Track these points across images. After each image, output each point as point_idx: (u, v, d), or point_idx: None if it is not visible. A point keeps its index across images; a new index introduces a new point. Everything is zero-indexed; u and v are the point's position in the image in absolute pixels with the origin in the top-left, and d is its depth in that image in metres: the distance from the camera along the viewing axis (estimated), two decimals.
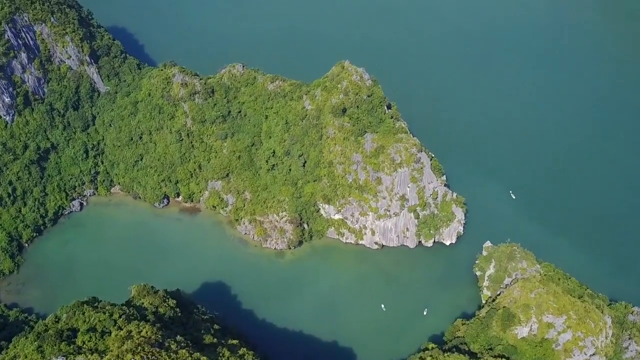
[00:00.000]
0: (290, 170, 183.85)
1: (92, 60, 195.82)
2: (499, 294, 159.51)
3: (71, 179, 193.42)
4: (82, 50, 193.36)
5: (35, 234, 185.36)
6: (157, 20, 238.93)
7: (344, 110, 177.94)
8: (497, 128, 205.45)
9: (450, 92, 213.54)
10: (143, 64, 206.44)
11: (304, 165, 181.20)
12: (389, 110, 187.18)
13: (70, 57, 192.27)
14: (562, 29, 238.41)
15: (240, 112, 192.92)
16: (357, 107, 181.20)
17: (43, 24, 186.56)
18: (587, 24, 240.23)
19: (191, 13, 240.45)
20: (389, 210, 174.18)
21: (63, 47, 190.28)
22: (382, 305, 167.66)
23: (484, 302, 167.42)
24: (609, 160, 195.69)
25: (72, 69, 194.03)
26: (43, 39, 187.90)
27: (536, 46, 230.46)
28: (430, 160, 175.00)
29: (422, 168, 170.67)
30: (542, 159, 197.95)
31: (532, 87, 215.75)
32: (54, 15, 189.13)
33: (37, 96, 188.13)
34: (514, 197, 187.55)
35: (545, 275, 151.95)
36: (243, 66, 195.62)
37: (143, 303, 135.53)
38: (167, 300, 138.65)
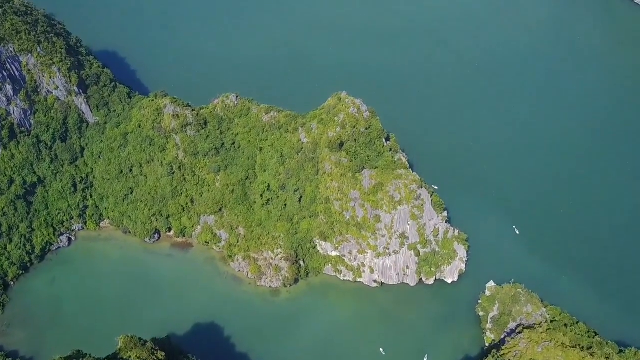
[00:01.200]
0: (285, 205, 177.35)
1: (81, 90, 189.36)
2: (503, 338, 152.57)
3: (59, 213, 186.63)
4: (70, 81, 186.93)
5: (21, 272, 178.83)
6: (148, 44, 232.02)
7: (341, 144, 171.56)
8: (500, 158, 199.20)
9: (450, 120, 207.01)
10: (134, 93, 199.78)
11: (299, 201, 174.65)
12: (388, 142, 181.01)
13: (58, 87, 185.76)
14: (566, 54, 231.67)
15: (234, 143, 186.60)
16: (355, 140, 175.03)
17: (29, 55, 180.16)
18: (591, 48, 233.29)
19: (184, 37, 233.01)
20: (389, 249, 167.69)
21: (50, 77, 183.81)
22: (381, 349, 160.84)
23: (487, 344, 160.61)
24: (618, 194, 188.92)
25: (59, 99, 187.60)
26: (29, 70, 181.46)
27: (539, 72, 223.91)
28: (431, 195, 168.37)
29: (422, 205, 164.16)
30: (547, 191, 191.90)
31: (536, 115, 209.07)
32: (41, 45, 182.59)
33: (23, 128, 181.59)
34: (517, 233, 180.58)
35: (551, 322, 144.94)
36: (237, 97, 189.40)
37: (130, 357, 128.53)
38: (155, 353, 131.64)
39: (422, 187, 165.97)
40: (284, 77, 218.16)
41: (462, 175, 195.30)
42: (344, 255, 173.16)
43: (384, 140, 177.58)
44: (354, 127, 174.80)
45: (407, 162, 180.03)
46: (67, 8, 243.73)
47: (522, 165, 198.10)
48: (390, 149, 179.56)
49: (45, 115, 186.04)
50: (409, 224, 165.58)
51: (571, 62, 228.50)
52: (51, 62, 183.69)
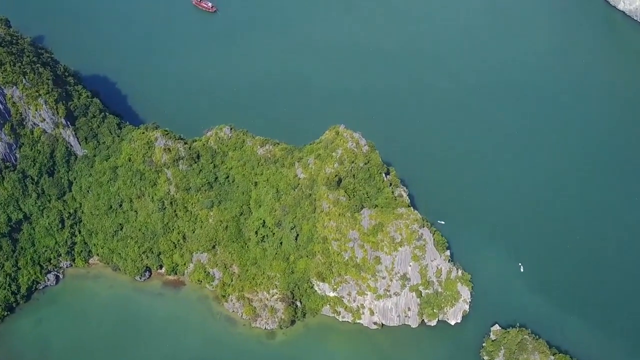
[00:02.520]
0: (281, 243, 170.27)
1: (68, 122, 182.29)
2: None
3: (46, 250, 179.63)
4: (57, 113, 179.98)
5: (6, 313, 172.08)
6: (140, 69, 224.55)
7: (339, 181, 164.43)
8: (503, 189, 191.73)
9: (451, 149, 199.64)
10: (124, 122, 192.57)
11: (296, 239, 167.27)
12: (388, 176, 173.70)
13: (44, 120, 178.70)
14: (570, 77, 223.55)
15: (227, 177, 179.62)
16: (354, 176, 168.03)
17: (14, 87, 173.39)
18: (595, 72, 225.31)
19: (176, 63, 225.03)
20: (389, 290, 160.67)
21: (36, 110, 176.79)
22: None
23: None
24: (628, 230, 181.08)
25: (46, 132, 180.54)
26: (14, 102, 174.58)
27: (543, 97, 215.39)
28: (433, 234, 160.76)
29: (424, 245, 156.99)
30: (553, 224, 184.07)
31: (541, 144, 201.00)
32: (26, 77, 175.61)
33: (8, 163, 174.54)
34: (522, 270, 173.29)
35: None
36: (231, 129, 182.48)
37: None
38: None
39: (423, 227, 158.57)
40: (279, 103, 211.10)
41: (465, 207, 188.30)
42: (343, 297, 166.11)
43: (383, 175, 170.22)
44: (353, 162, 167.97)
45: (407, 198, 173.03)
46: (58, 31, 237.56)
47: (526, 197, 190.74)
48: (390, 184, 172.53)
49: (32, 149, 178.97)
50: (410, 265, 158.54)
51: (574, 87, 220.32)
52: (37, 94, 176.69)
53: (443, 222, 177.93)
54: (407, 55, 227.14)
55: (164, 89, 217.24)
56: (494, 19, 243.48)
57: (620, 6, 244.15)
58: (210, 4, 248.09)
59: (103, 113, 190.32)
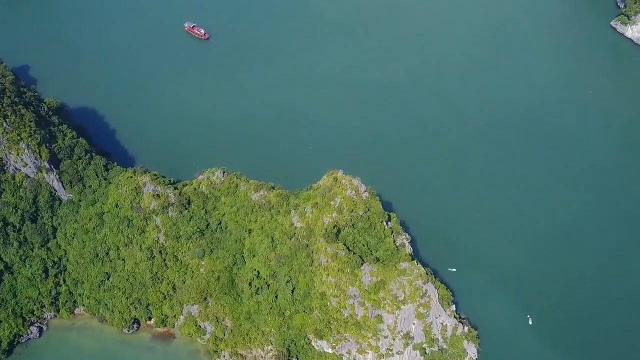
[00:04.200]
0: (277, 297, 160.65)
1: (52, 166, 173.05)
2: None
3: (29, 302, 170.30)
4: (41, 156, 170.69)
5: None
6: (130, 103, 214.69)
7: (338, 232, 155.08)
8: (510, 233, 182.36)
9: (455, 190, 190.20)
10: (111, 163, 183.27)
11: (292, 293, 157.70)
12: (389, 223, 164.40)
13: (27, 165, 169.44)
14: (578, 111, 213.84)
15: (220, 224, 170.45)
16: (354, 226, 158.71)
17: None
18: (603, 106, 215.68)
19: (167, 94, 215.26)
20: (392, 350, 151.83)
21: (18, 154, 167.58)
22: None
23: None
24: None
25: (29, 177, 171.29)
26: None
27: (551, 133, 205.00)
28: (438, 289, 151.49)
29: (429, 302, 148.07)
30: (562, 270, 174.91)
31: (551, 185, 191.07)
32: (7, 120, 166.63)
33: None
34: (531, 323, 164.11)
35: None
36: (224, 172, 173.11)
37: None
38: None
39: (428, 282, 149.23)
40: (275, 140, 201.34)
41: (471, 253, 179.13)
42: (343, 355, 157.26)
43: (384, 223, 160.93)
44: (352, 210, 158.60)
45: (410, 247, 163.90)
46: (45, 60, 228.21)
47: (534, 242, 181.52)
48: (392, 231, 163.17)
49: (13, 195, 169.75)
50: (414, 324, 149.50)
51: (583, 122, 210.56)
52: (19, 137, 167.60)
53: (454, 270, 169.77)
54: (408, 88, 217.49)
55: (154, 123, 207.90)
56: (498, 49, 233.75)
57: (629, 34, 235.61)
58: (203, 31, 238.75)
59: (89, 154, 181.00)
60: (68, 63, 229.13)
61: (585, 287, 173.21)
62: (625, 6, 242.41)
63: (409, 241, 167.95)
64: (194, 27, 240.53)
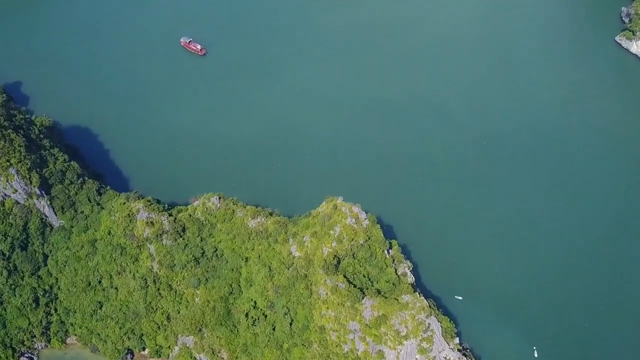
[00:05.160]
0: (274, 328, 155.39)
1: (43, 192, 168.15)
2: None
3: (19, 332, 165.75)
4: (31, 182, 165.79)
5: None
6: (124, 118, 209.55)
7: (338, 262, 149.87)
8: (514, 259, 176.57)
9: (459, 216, 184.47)
10: (104, 187, 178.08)
11: (290, 325, 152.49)
12: (390, 251, 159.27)
13: (17, 191, 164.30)
14: (584, 129, 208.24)
15: (216, 251, 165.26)
16: (353, 255, 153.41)
17: None
18: (609, 120, 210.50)
19: (162, 112, 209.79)
20: None
21: (7, 180, 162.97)
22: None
23: None
24: None
25: (18, 203, 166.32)
26: None
27: (556, 154, 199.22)
28: (441, 323, 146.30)
29: (431, 336, 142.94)
30: (569, 300, 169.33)
31: (558, 210, 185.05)
32: None
33: None
34: (536, 355, 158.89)
35: None
36: (219, 198, 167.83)
37: None
38: None
39: (430, 316, 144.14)
40: (272, 161, 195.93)
41: (474, 280, 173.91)
42: None
43: (386, 252, 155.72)
44: (352, 239, 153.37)
45: (412, 276, 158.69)
46: (37, 76, 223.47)
47: (540, 268, 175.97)
48: (394, 260, 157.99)
49: (2, 222, 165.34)
50: (416, 359, 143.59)
51: (589, 141, 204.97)
52: (8, 163, 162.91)
53: (460, 298, 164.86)
54: (409, 105, 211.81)
55: (148, 142, 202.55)
56: (501, 64, 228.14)
57: (633, 49, 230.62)
58: (199, 47, 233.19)
59: (81, 178, 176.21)
60: (61, 79, 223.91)
61: (594, 318, 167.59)
62: (630, 21, 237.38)
63: (411, 269, 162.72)
64: (189, 42, 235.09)
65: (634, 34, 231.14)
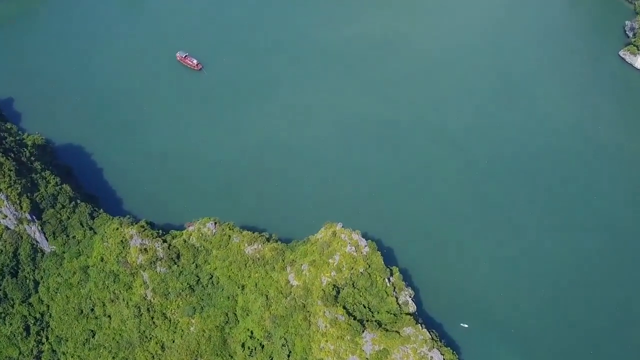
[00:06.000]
0: (272, 359, 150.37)
1: (34, 217, 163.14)
2: None
3: None
4: (21, 207, 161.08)
5: None
6: (118, 135, 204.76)
7: (337, 293, 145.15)
8: (520, 286, 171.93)
9: (460, 238, 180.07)
10: (97, 210, 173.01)
11: (288, 357, 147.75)
12: (391, 278, 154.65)
13: (6, 216, 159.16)
14: (589, 151, 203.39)
15: (211, 279, 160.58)
16: (353, 284, 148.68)
17: None
18: (613, 141, 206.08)
19: (157, 130, 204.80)
20: None
21: None
22: None
23: None
24: None
25: (8, 229, 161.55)
26: None
27: (561, 177, 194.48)
28: (444, 355, 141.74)
29: None
30: (578, 329, 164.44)
31: (562, 230, 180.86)
32: None
33: None
34: (465, 326, 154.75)
35: None
36: (215, 223, 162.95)
37: None
38: None
39: (433, 349, 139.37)
40: (269, 183, 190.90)
41: (476, 306, 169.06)
42: None
43: (386, 280, 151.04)
44: (352, 268, 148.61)
45: (413, 304, 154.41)
46: (30, 93, 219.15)
47: (545, 294, 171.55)
48: (394, 288, 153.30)
49: None
50: None
51: (592, 159, 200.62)
52: None
53: (466, 326, 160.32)
54: (410, 127, 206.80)
55: (143, 161, 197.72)
56: (504, 82, 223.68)
57: (638, 64, 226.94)
58: (195, 61, 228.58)
59: (73, 202, 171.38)
60: (54, 95, 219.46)
61: (600, 346, 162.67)
62: (634, 35, 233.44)
63: (412, 296, 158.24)
64: (185, 56, 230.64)
65: (638, 49, 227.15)
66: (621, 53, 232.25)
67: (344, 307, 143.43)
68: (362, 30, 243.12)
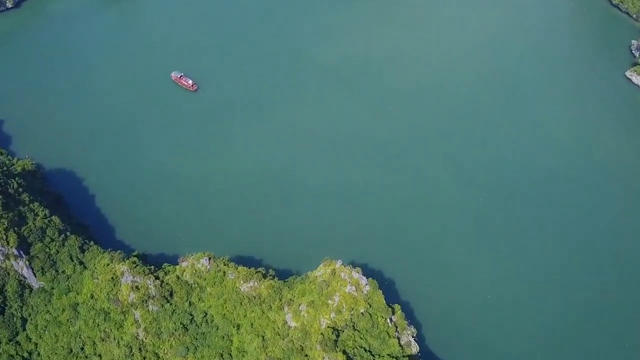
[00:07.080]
0: None
1: (21, 252, 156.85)
2: None
3: None
4: (8, 243, 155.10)
5: None
6: (111, 160, 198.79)
7: (337, 336, 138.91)
8: (526, 321, 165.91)
9: (464, 270, 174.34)
10: (88, 242, 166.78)
11: None
12: (393, 318, 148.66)
13: None
14: (591, 169, 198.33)
15: (205, 317, 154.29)
16: (354, 326, 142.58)
17: None
18: (619, 165, 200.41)
19: (151, 154, 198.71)
20: None
21: None
22: None
23: None
24: None
25: None
26: None
27: (565, 195, 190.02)
28: None
29: None
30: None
31: (571, 259, 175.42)
32: None
33: None
34: None
35: None
36: (209, 259, 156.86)
37: None
38: None
39: None
40: (266, 211, 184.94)
41: (481, 342, 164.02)
42: None
43: (388, 321, 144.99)
44: (352, 309, 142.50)
45: (416, 345, 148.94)
46: (21, 114, 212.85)
47: (553, 326, 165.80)
48: (396, 327, 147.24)
49: None
50: None
51: (598, 185, 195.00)
52: None
53: None
54: (410, 146, 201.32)
55: (136, 187, 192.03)
56: (507, 100, 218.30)
57: None
58: (191, 82, 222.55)
59: (63, 234, 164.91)
60: (46, 117, 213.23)
61: None
62: None
63: (415, 335, 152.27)
64: (181, 76, 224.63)
65: None
66: (627, 74, 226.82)
67: (344, 352, 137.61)
68: (360, 49, 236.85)
